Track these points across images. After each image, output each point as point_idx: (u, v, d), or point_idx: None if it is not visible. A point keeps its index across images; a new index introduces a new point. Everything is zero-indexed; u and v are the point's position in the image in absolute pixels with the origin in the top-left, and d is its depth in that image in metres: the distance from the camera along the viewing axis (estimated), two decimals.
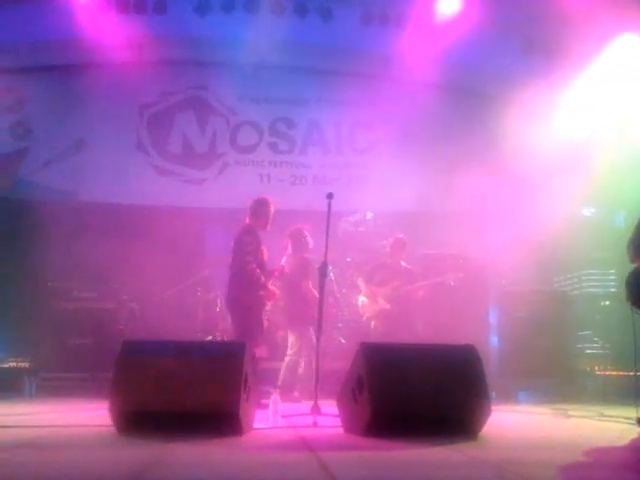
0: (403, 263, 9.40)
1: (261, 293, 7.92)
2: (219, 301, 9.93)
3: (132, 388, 4.85)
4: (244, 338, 7.21)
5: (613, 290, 10.12)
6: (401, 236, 9.46)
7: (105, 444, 4.53)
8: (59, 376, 9.60)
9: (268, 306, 8.29)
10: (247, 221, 8.02)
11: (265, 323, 8.17)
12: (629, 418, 6.48)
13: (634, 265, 6.65)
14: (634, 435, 5.73)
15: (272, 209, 8.05)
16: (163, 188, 11.58)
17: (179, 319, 10.07)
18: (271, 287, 8.04)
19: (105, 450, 4.31)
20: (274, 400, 5.75)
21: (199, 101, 11.89)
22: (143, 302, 10.37)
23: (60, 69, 11.33)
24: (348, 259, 9.00)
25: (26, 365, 9.90)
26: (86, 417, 6.20)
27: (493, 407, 5.20)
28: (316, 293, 7.70)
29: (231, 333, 9.16)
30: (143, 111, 11.74)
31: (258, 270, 7.77)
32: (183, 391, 4.79)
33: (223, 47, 11.20)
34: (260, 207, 8.02)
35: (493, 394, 7.75)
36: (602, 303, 10.59)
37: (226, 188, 11.37)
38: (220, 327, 9.80)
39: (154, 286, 10.30)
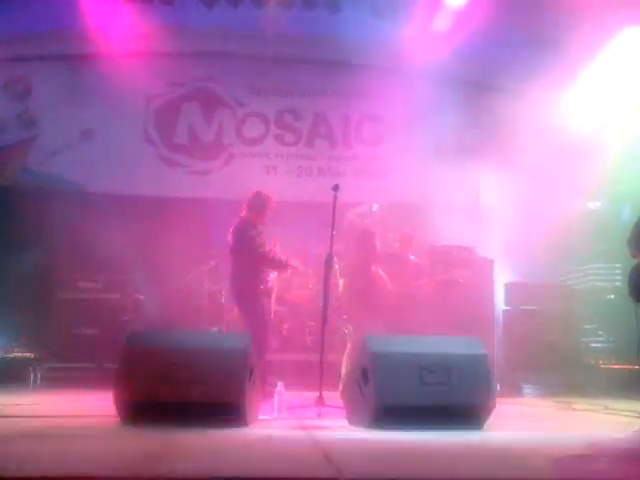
0: (412, 257, 9.39)
1: (288, 269, 8.09)
2: (224, 292, 9.94)
3: (137, 379, 4.87)
4: (253, 330, 7.24)
5: (618, 284, 10.09)
6: (409, 230, 9.45)
7: (110, 435, 4.56)
8: (64, 366, 9.62)
9: (273, 298, 8.30)
10: (243, 214, 7.96)
11: (272, 314, 8.20)
12: (633, 411, 6.49)
13: (637, 260, 6.67)
14: (637, 428, 5.74)
15: (271, 203, 8.02)
16: (169, 179, 11.61)
17: (185, 310, 10.09)
18: (292, 263, 8.09)
19: (110, 441, 4.33)
20: (279, 391, 5.76)
21: (206, 92, 11.89)
22: (149, 293, 10.39)
23: (67, 59, 11.34)
24: (352, 252, 8.96)
25: (31, 355, 9.92)
26: (91, 407, 6.22)
27: (498, 400, 5.22)
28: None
29: (237, 324, 9.20)
30: (150, 102, 11.75)
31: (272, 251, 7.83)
32: (188, 382, 4.80)
33: (230, 39, 11.20)
34: (257, 201, 7.97)
35: (498, 387, 7.78)
36: (607, 297, 10.57)
37: (232, 179, 11.35)
38: (226, 318, 9.81)
39: (160, 277, 10.32)
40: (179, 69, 11.75)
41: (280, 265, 8.05)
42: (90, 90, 11.13)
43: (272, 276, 8.33)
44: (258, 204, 7.97)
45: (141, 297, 10.36)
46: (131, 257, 9.77)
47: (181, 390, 4.79)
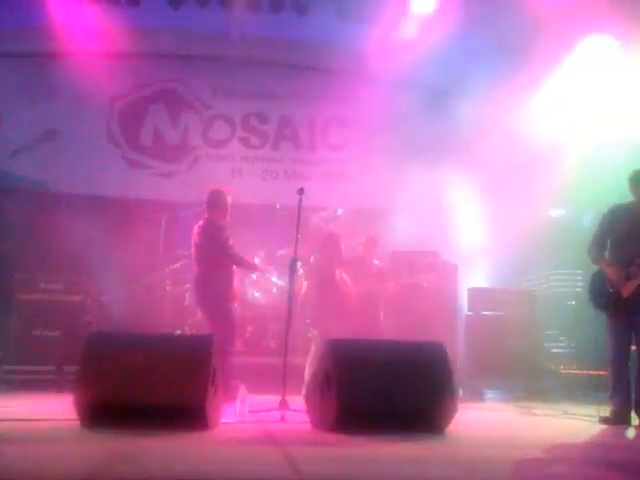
0: (375, 261, 9.43)
1: (258, 271, 8.20)
2: (188, 295, 9.89)
3: (98, 381, 4.81)
4: (220, 332, 7.20)
5: (579, 290, 10.22)
6: (373, 234, 9.48)
7: (70, 438, 4.50)
8: (24, 369, 9.47)
9: (237, 302, 8.27)
10: (207, 215, 7.93)
11: (237, 317, 8.17)
12: (592, 416, 6.59)
13: (597, 267, 6.78)
14: (596, 432, 5.83)
15: (229, 199, 7.98)
16: (134, 180, 11.50)
17: (148, 312, 10.01)
18: (261, 265, 8.10)
19: (70, 444, 4.28)
20: (242, 395, 5.75)
21: (171, 94, 11.80)
22: (112, 295, 10.28)
23: (31, 57, 11.17)
24: (316, 255, 8.99)
25: None
26: (51, 411, 6.13)
27: (460, 404, 5.26)
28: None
29: (200, 327, 9.15)
30: (114, 103, 11.62)
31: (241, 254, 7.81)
32: (150, 385, 4.77)
33: (197, 41, 11.14)
34: (217, 199, 7.93)
35: (460, 391, 7.84)
36: (568, 303, 10.70)
37: (197, 182, 11.25)
38: (189, 321, 9.75)
39: (123, 279, 10.23)
40: (144, 70, 11.65)
41: (252, 267, 8.08)
42: (54, 89, 10.97)
43: (248, 278, 8.32)
44: (219, 201, 7.93)
45: (104, 299, 10.25)
46: (94, 258, 9.66)
47: (143, 393, 4.75)
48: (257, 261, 8.74)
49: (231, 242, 7.72)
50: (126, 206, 10.91)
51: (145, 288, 10.26)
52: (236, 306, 8.23)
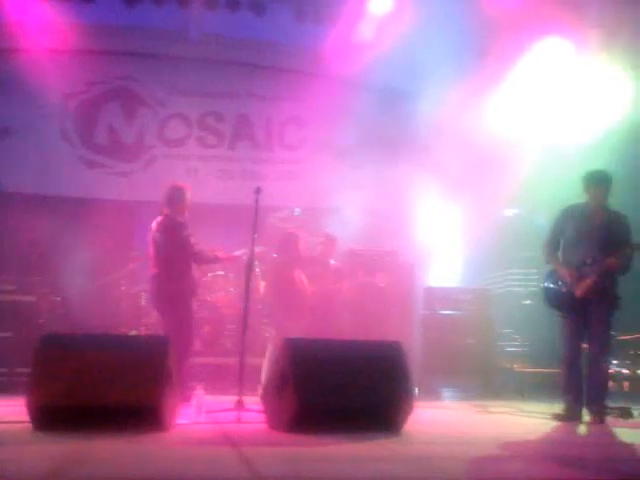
0: (332, 261, 9.44)
1: (223, 261, 8.02)
2: (143, 295, 9.80)
3: (51, 383, 4.73)
4: (179, 332, 7.14)
5: (534, 289, 10.35)
6: (330, 234, 9.48)
7: (22, 441, 4.42)
8: None
9: (196, 301, 8.19)
10: (165, 212, 7.72)
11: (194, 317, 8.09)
12: (545, 413, 6.69)
13: (551, 266, 6.88)
14: (548, 429, 5.92)
15: (188, 195, 7.83)
16: (89, 180, 11.34)
17: (103, 313, 9.88)
18: (223, 254, 8.00)
19: (22, 447, 4.20)
20: (198, 395, 5.71)
21: (127, 92, 11.67)
22: (66, 296, 10.12)
23: None
24: (275, 255, 8.98)
25: None
26: (3, 413, 6.01)
27: (417, 403, 5.30)
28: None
29: (157, 328, 9.06)
30: (68, 100, 11.45)
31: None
32: (105, 386, 4.71)
33: (153, 38, 11.06)
34: (176, 195, 7.75)
35: (416, 390, 7.89)
36: (523, 302, 10.84)
37: (153, 181, 11.16)
38: (144, 322, 9.67)
39: (78, 279, 10.08)
40: (99, 68, 11.49)
41: (215, 261, 7.98)
42: (6, 87, 10.79)
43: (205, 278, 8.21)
44: (178, 197, 7.75)
45: (58, 299, 10.09)
46: (48, 259, 9.52)
47: (97, 394, 4.69)
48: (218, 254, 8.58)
49: (192, 240, 7.58)
50: (81, 206, 10.75)
51: (100, 289, 10.12)
52: (195, 305, 8.13)
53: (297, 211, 10.56)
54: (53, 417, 4.65)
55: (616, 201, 6.74)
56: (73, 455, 3.73)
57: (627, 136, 9.19)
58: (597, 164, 7.10)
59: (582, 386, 6.52)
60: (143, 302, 9.88)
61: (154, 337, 7.49)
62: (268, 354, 8.18)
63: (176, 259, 7.58)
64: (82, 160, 11.47)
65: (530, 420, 6.61)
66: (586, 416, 6.44)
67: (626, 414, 6.68)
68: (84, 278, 10.07)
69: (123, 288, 10.08)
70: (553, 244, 6.89)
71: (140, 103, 11.69)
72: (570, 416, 6.41)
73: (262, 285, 8.87)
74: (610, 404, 6.64)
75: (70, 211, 10.60)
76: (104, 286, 10.17)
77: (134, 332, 9.51)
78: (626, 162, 8.71)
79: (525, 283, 11.13)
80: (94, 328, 9.02)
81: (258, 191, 6.71)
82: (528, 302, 10.64)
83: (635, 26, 8.74)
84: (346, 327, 9.25)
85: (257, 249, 6.93)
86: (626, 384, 9.45)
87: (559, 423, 6.30)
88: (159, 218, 7.76)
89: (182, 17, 10.76)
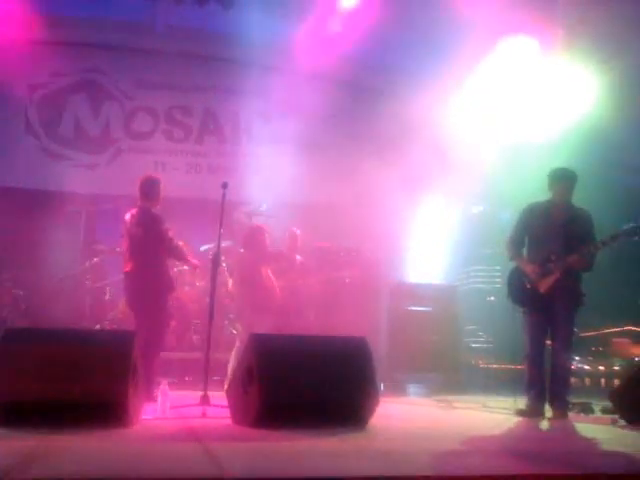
0: (298, 256, 9.43)
1: (189, 265, 7.87)
2: (108, 289, 9.71)
3: (13, 379, 4.67)
4: (154, 327, 7.07)
5: (498, 286, 10.44)
6: (295, 229, 9.47)
7: None
8: None
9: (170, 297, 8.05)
10: (141, 204, 7.52)
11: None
12: (508, 409, 6.75)
13: (515, 263, 6.95)
14: (512, 424, 5.99)
15: (162, 187, 7.66)
16: (53, 172, 11.17)
17: (67, 307, 9.79)
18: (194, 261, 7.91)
19: None
20: (163, 391, 5.68)
21: (93, 84, 11.53)
22: (29, 289, 10.00)
23: None
24: (241, 250, 8.95)
25: None
26: None
27: (382, 398, 5.32)
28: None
29: (121, 322, 9.02)
30: (33, 92, 11.30)
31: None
32: (69, 381, 4.66)
33: (120, 31, 10.94)
34: (151, 186, 7.57)
35: (382, 386, 7.93)
36: (488, 298, 10.91)
37: (119, 175, 11.07)
38: (109, 316, 9.58)
39: (41, 273, 9.97)
40: (65, 59, 11.32)
41: (186, 262, 7.87)
42: None
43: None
44: (152, 188, 7.56)
45: (21, 293, 9.96)
46: (10, 252, 9.40)
47: (61, 390, 4.64)
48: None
49: (170, 234, 7.43)
50: (45, 198, 10.61)
51: (64, 282, 10.02)
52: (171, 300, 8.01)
53: (264, 206, 10.53)
54: (15, 413, 4.60)
55: (578, 198, 6.82)
56: (35, 451, 3.68)
57: (590, 134, 9.31)
58: (561, 162, 7.19)
59: (545, 382, 6.60)
60: (108, 296, 9.80)
61: (119, 332, 7.43)
62: (235, 349, 8.15)
63: (154, 253, 7.37)
64: (46, 152, 11.32)
65: (494, 415, 6.67)
66: (548, 411, 6.52)
67: (587, 409, 6.80)
68: (47, 272, 9.96)
69: (87, 282, 9.98)
70: (517, 241, 6.95)
71: (106, 96, 11.56)
72: (533, 411, 6.49)
73: (230, 282, 8.84)
74: (572, 400, 6.74)
75: (33, 204, 10.46)
76: (68, 280, 10.07)
77: (98, 326, 9.42)
78: (589, 160, 8.83)
79: (490, 280, 11.22)
80: (57, 322, 8.93)
81: (225, 185, 6.68)
82: (492, 299, 10.73)
83: (598, 25, 8.84)
84: (312, 322, 9.28)
85: (224, 244, 6.91)
86: (587, 380, 9.58)
87: (522, 418, 6.37)
88: (134, 210, 7.55)
89: (149, 9, 10.67)
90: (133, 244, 7.44)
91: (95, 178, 11.29)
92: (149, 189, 7.57)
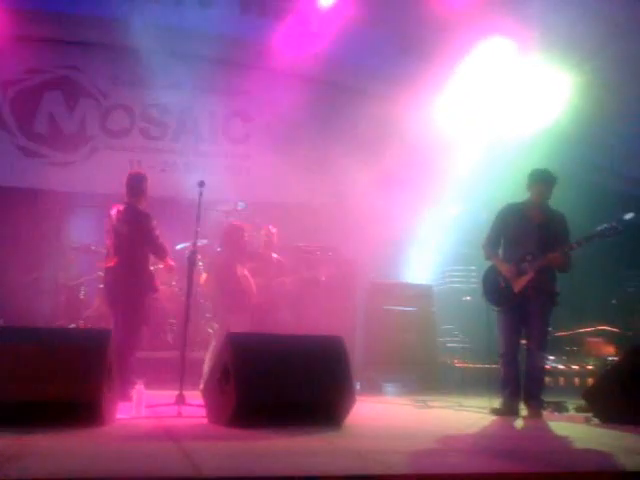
0: (274, 255, 9.41)
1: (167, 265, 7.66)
2: (83, 288, 9.64)
3: None
4: (133, 326, 7.03)
5: (474, 286, 10.49)
6: (271, 227, 9.45)
7: None
8: None
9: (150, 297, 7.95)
10: (128, 200, 7.43)
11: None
12: (483, 407, 6.79)
13: (490, 262, 6.99)
14: (487, 423, 6.02)
15: (148, 183, 7.60)
16: (27, 170, 11.08)
17: (40, 306, 9.71)
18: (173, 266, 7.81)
19: None
20: (138, 390, 5.65)
21: (68, 81, 11.43)
22: (2, 288, 9.90)
23: None
24: (218, 249, 8.93)
25: None
26: None
27: (358, 398, 5.33)
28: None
29: (96, 321, 8.95)
30: (7, 88, 11.19)
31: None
32: (42, 380, 4.61)
33: (96, 28, 10.86)
34: (138, 182, 7.50)
35: (358, 385, 7.94)
36: (463, 298, 10.97)
37: (94, 172, 11.00)
38: (84, 315, 9.51)
39: (14, 271, 9.87)
40: (40, 56, 11.22)
41: (164, 262, 7.74)
42: None
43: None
44: (139, 184, 7.49)
45: None
46: None
47: (34, 388, 4.60)
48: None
49: (157, 232, 7.36)
50: (20, 196, 10.52)
51: (38, 281, 9.93)
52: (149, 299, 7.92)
53: (241, 205, 10.50)
54: None
55: (552, 198, 6.86)
56: (8, 450, 3.64)
57: (565, 135, 9.39)
58: (536, 162, 7.23)
59: (519, 381, 6.65)
60: (83, 295, 9.72)
61: (94, 330, 7.36)
62: (211, 349, 8.11)
63: (139, 251, 7.32)
64: (20, 149, 11.22)
65: (469, 414, 6.70)
66: (523, 410, 6.57)
67: (561, 408, 6.86)
68: (21, 270, 9.87)
69: (62, 280, 9.89)
70: (493, 241, 6.98)
71: (82, 93, 11.47)
72: (508, 410, 6.53)
73: (203, 277, 8.78)
74: (546, 398, 6.79)
75: (7, 201, 10.36)
76: (42, 278, 9.98)
77: (73, 325, 9.35)
78: (564, 160, 8.90)
79: (466, 280, 11.28)
80: (32, 321, 8.85)
81: (202, 184, 6.67)
82: (468, 299, 10.78)
83: (573, 26, 8.91)
84: (288, 321, 9.26)
85: (200, 242, 6.88)
86: (562, 379, 9.66)
87: (497, 417, 6.41)
88: (121, 207, 7.45)
89: (126, 6, 10.59)
90: (119, 240, 7.35)
91: (70, 176, 11.20)
92: (136, 185, 7.49)
